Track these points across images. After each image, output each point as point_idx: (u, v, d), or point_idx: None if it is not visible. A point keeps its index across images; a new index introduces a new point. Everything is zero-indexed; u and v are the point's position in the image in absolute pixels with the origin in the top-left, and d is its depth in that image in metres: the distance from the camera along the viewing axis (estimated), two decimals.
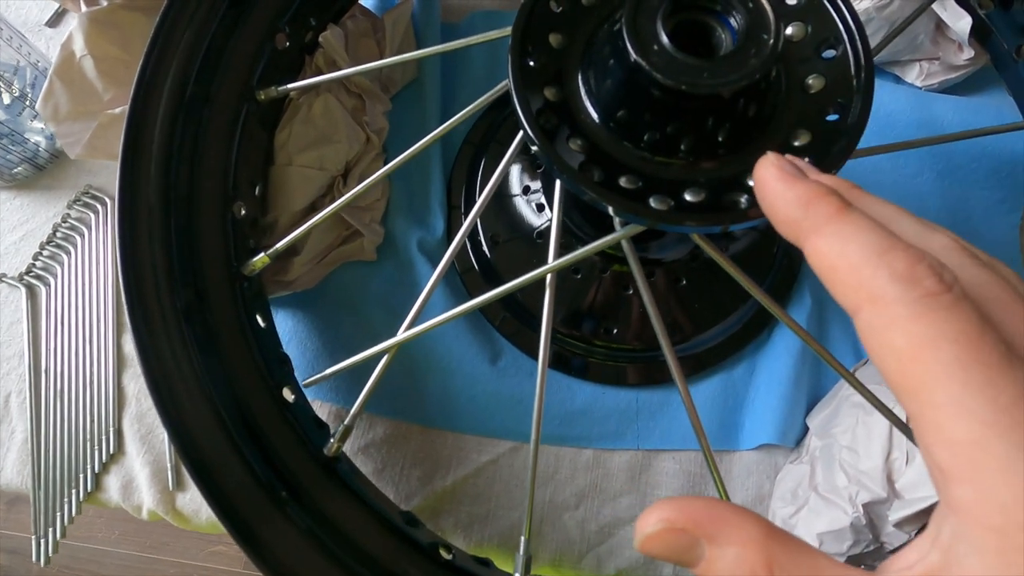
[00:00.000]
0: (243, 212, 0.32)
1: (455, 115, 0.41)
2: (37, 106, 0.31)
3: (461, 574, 0.26)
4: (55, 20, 0.46)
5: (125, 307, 0.37)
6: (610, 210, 0.22)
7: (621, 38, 0.22)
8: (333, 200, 0.37)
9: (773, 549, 0.12)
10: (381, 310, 0.38)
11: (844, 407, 0.32)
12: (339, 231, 0.38)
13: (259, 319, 0.30)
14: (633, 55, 0.22)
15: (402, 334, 0.28)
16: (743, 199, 0.23)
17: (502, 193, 0.39)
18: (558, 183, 0.26)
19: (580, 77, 0.25)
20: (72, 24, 0.31)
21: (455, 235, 0.39)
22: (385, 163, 0.40)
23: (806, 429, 0.35)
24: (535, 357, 0.37)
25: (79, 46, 0.30)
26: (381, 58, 0.39)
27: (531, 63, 0.25)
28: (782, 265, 0.37)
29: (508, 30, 0.32)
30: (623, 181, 0.24)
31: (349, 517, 0.26)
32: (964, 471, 0.11)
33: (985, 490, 0.10)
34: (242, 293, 0.30)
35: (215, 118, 0.31)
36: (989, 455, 0.10)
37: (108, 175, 0.42)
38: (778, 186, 0.14)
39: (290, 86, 0.33)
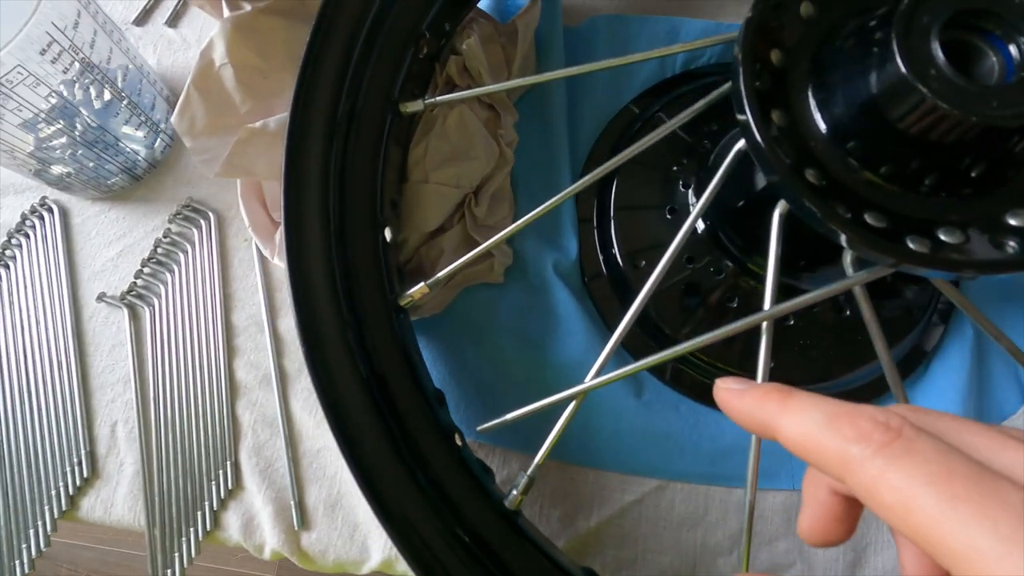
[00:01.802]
0: (390, 236, 0.29)
1: (580, 123, 0.39)
2: (172, 120, 0.29)
3: None
4: (142, 19, 0.43)
5: (251, 327, 0.34)
6: (866, 253, 0.20)
7: (883, 58, 0.20)
8: (463, 218, 0.35)
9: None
10: (511, 337, 0.35)
11: None
12: (464, 252, 0.36)
13: (412, 353, 0.28)
14: (909, 78, 0.19)
15: (591, 381, 0.25)
16: (1011, 242, 0.20)
17: (642, 205, 0.37)
18: (776, 218, 0.24)
19: (811, 99, 0.23)
20: (211, 29, 0.28)
21: (584, 250, 0.37)
22: (512, 177, 0.37)
23: None
24: (676, 387, 0.35)
25: (219, 54, 0.28)
26: (508, 65, 0.37)
27: (756, 84, 0.22)
28: (941, 295, 0.35)
29: (674, 48, 0.30)
30: (869, 218, 0.21)
31: (534, 572, 0.24)
32: None
33: None
34: (399, 325, 0.27)
35: (362, 135, 0.28)
36: None
37: (209, 187, 0.39)
38: (734, 402, 0.17)
39: (439, 99, 0.30)
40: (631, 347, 0.35)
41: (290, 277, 0.25)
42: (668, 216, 0.36)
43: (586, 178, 0.29)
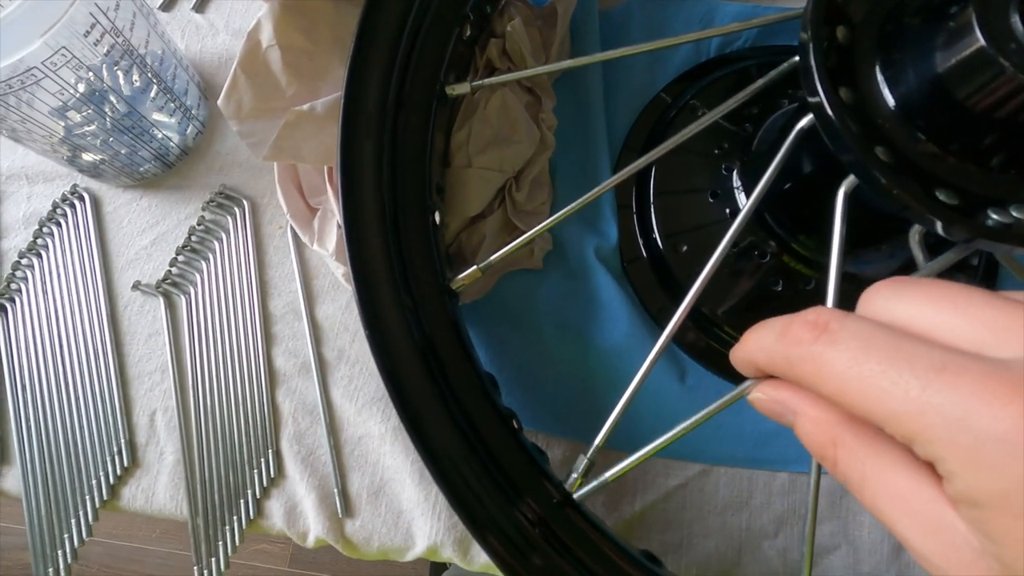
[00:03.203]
0: (438, 219, 0.29)
1: (616, 108, 0.38)
2: (219, 103, 0.28)
3: None
4: (168, 4, 0.43)
5: (288, 315, 0.34)
6: (943, 229, 0.20)
7: (958, 32, 0.20)
8: (503, 203, 0.35)
9: (842, 430, 0.14)
10: (551, 323, 0.35)
11: None
12: (504, 237, 0.35)
13: (464, 336, 0.28)
14: (988, 51, 0.19)
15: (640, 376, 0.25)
16: None
17: (682, 189, 0.36)
18: (840, 197, 0.24)
19: (879, 75, 0.22)
20: (260, 11, 0.28)
21: (624, 235, 0.36)
22: (551, 162, 0.37)
23: None
24: (723, 374, 0.34)
25: (267, 35, 0.27)
26: (545, 48, 0.37)
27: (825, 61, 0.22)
28: (982, 274, 0.35)
29: (709, 32, 0.29)
30: (941, 195, 0.21)
31: (600, 561, 0.24)
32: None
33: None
34: (452, 309, 0.27)
35: (411, 119, 0.28)
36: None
37: (241, 174, 0.39)
38: (734, 362, 0.17)
39: (485, 81, 0.30)
40: (679, 338, 0.35)
41: (351, 263, 0.25)
42: (711, 199, 0.35)
43: (627, 169, 0.28)
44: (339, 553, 0.33)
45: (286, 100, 0.28)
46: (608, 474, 0.24)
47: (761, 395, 0.16)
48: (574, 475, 0.25)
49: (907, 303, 0.13)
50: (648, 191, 0.37)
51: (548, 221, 0.27)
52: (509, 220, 0.35)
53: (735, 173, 0.35)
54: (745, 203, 0.34)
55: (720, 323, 0.35)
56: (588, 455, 0.25)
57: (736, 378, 0.35)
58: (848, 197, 0.24)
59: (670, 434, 0.24)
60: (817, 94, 0.22)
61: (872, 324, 0.13)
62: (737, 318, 0.34)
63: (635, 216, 0.37)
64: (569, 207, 0.27)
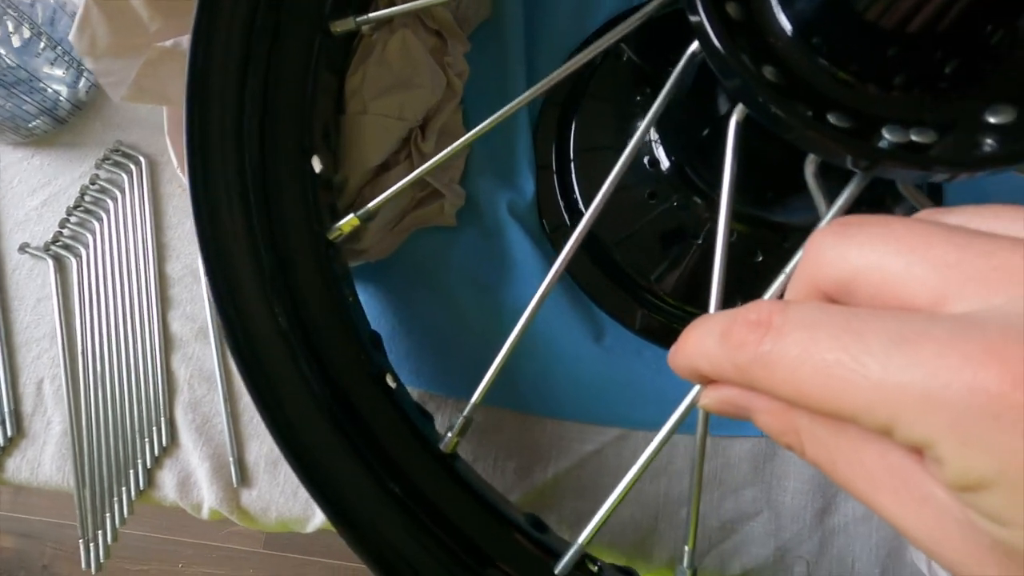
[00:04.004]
0: (320, 167, 0.27)
1: (539, 57, 0.36)
2: (71, 37, 0.26)
3: None
4: None
5: (186, 278, 0.32)
6: (847, 161, 0.18)
7: None
8: (410, 155, 0.33)
9: (798, 415, 0.13)
10: (466, 283, 0.33)
11: None
12: (414, 193, 0.33)
13: (346, 292, 0.26)
14: None
15: (530, 309, 0.23)
16: (989, 140, 0.18)
17: (602, 145, 0.34)
18: (732, 127, 0.21)
19: None
20: None
21: (545, 199, 0.34)
22: (464, 113, 0.35)
23: None
24: (643, 334, 0.33)
25: None
26: None
27: None
28: None
29: None
30: (833, 118, 0.19)
31: (473, 521, 0.22)
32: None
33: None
34: (328, 262, 0.25)
35: (286, 55, 0.26)
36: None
37: (140, 131, 0.36)
38: (674, 367, 0.15)
39: (372, 15, 0.28)
40: (597, 295, 0.33)
41: (193, 207, 0.22)
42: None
43: (540, 84, 0.26)
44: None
45: (149, 36, 0.26)
46: (582, 538, 0.21)
47: (709, 401, 0.14)
48: (449, 434, 0.23)
49: (856, 248, 0.12)
50: (568, 149, 0.35)
51: (435, 159, 0.25)
52: None
53: (654, 126, 0.33)
54: (663, 157, 0.32)
55: (648, 287, 0.33)
56: (465, 412, 0.23)
57: (658, 340, 0.33)
58: (741, 128, 0.21)
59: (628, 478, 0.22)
60: (697, 11, 0.19)
61: (815, 306, 0.11)
62: (664, 279, 0.32)
63: (556, 176, 0.35)
64: (471, 133, 0.25)
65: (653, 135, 0.33)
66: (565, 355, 0.32)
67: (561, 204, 0.34)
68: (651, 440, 0.32)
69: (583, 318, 0.32)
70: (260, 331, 0.23)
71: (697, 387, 0.22)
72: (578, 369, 0.32)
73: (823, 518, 0.31)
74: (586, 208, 0.34)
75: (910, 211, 0.35)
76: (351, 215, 0.25)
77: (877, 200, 0.32)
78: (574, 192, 0.34)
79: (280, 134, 0.25)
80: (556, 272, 0.23)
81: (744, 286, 0.31)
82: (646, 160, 0.33)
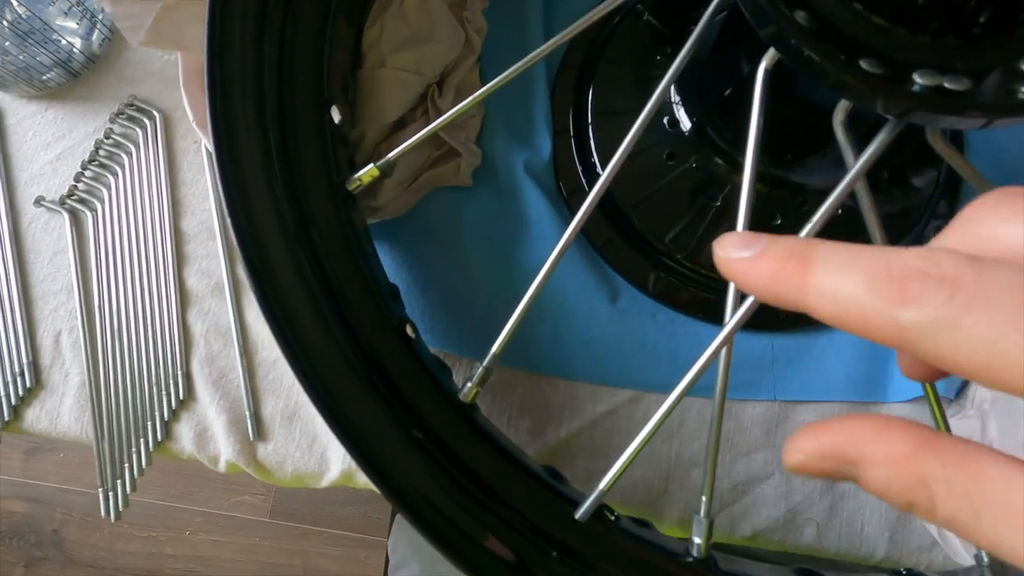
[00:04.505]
0: (339, 118, 0.27)
1: (557, 15, 0.35)
2: None
3: (631, 538, 0.22)
4: None
5: (202, 234, 0.32)
6: (880, 107, 0.17)
7: None
8: (427, 112, 0.32)
9: (926, 463, 0.10)
10: (478, 242, 0.33)
11: None
12: (430, 151, 0.33)
13: (365, 245, 0.26)
14: None
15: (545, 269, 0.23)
16: (1023, 89, 0.18)
17: (621, 109, 0.34)
18: (760, 74, 0.21)
19: None
20: None
21: (563, 162, 0.34)
22: (481, 72, 0.34)
23: (967, 380, 0.31)
24: (657, 296, 0.33)
25: None
26: None
27: None
28: (945, 184, 0.33)
29: None
30: (865, 64, 0.19)
31: (491, 468, 0.22)
32: None
33: None
34: (348, 213, 0.25)
35: (305, 4, 0.25)
36: None
37: (154, 85, 0.36)
38: (748, 276, 0.13)
39: None
40: (611, 257, 0.33)
41: (216, 155, 0.22)
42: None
43: (560, 35, 0.25)
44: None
45: None
46: (603, 484, 0.21)
47: (803, 456, 0.11)
48: (468, 384, 0.23)
49: None
50: (586, 112, 0.34)
51: (471, 99, 0.25)
52: (434, 133, 0.32)
53: (673, 87, 0.33)
54: (684, 118, 0.32)
55: (664, 249, 0.32)
56: (484, 363, 0.23)
57: (672, 302, 0.33)
58: (769, 77, 0.21)
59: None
60: None
61: (1014, 270, 0.10)
62: (680, 241, 0.32)
63: (573, 141, 0.34)
64: (468, 101, 0.24)
65: (674, 96, 0.33)
66: (579, 316, 0.32)
67: (579, 167, 0.34)
68: (663, 403, 0.33)
69: (598, 280, 0.32)
70: (285, 282, 0.23)
71: (711, 348, 0.22)
72: (592, 330, 0.32)
73: (833, 482, 0.31)
74: (604, 171, 0.33)
75: (930, 181, 0.34)
76: (371, 165, 0.25)
77: (898, 166, 0.32)
78: (592, 156, 0.34)
79: (299, 85, 0.25)
80: (572, 231, 0.23)
81: None
82: (665, 121, 0.32)
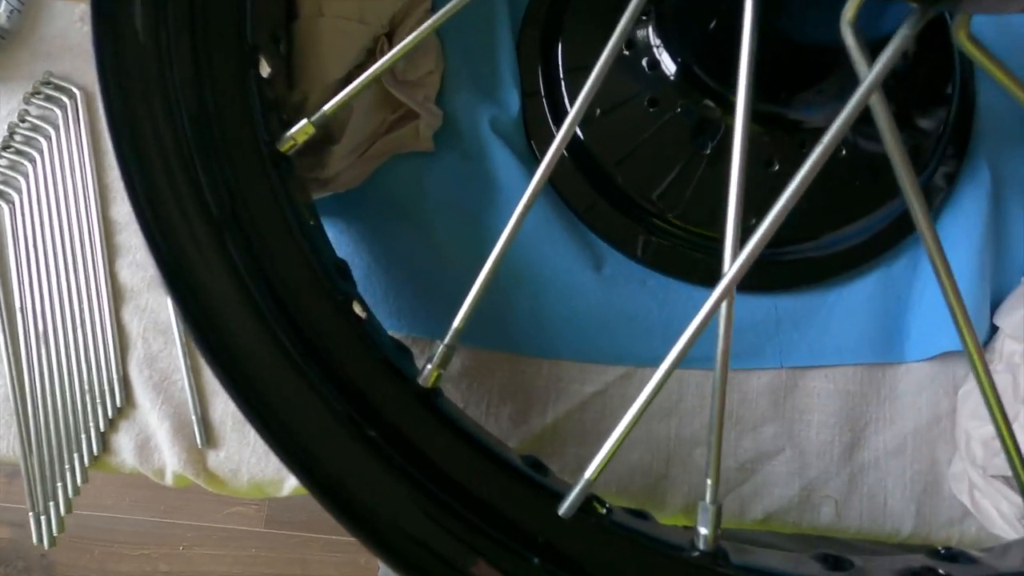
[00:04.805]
0: (269, 71, 0.23)
1: None
2: None
3: (626, 533, 0.19)
4: None
5: (134, 222, 0.29)
6: None
7: None
8: None
9: None
10: (446, 213, 0.30)
11: None
12: (384, 114, 0.30)
13: (305, 215, 0.22)
14: None
15: (515, 219, 0.20)
16: None
17: (592, 64, 0.30)
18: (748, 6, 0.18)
19: None
20: None
21: (534, 123, 0.31)
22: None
23: (992, 331, 0.28)
24: (647, 262, 0.29)
25: None
26: None
27: None
28: (954, 127, 0.30)
29: None
30: None
31: (461, 464, 0.19)
32: None
33: None
34: (282, 179, 0.22)
35: None
36: None
37: (73, 59, 0.32)
38: None
39: None
40: (597, 224, 0.30)
41: (108, 120, 0.19)
42: (626, 52, 0.29)
43: None
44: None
45: None
46: (588, 473, 0.18)
47: None
48: (428, 367, 0.20)
49: None
50: (557, 69, 0.31)
51: (419, 31, 0.21)
52: (387, 93, 0.29)
53: (651, 29, 0.29)
54: (667, 60, 0.29)
55: (653, 209, 0.29)
56: (446, 341, 0.20)
57: (663, 267, 0.30)
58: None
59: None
60: None
61: None
62: (669, 197, 0.29)
63: (545, 101, 0.31)
64: (411, 36, 0.21)
65: (653, 39, 0.29)
66: (560, 287, 0.29)
67: (553, 128, 0.31)
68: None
69: (579, 246, 0.29)
70: (199, 261, 0.19)
71: (707, 306, 0.19)
72: (575, 303, 0.29)
73: (852, 453, 0.28)
74: (583, 131, 0.30)
75: (938, 123, 0.31)
76: (304, 121, 0.22)
77: (904, 106, 0.29)
78: (567, 113, 0.31)
79: (214, 38, 0.21)
80: (539, 181, 0.20)
81: (757, 201, 0.28)
82: (645, 63, 0.29)
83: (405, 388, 0.20)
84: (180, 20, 0.21)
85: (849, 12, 0.17)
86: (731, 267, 0.18)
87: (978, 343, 0.18)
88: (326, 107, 0.22)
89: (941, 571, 0.18)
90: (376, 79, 0.28)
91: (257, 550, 1.12)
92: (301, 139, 0.22)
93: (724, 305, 0.19)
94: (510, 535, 0.18)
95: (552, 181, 0.30)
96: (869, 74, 0.16)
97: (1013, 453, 0.17)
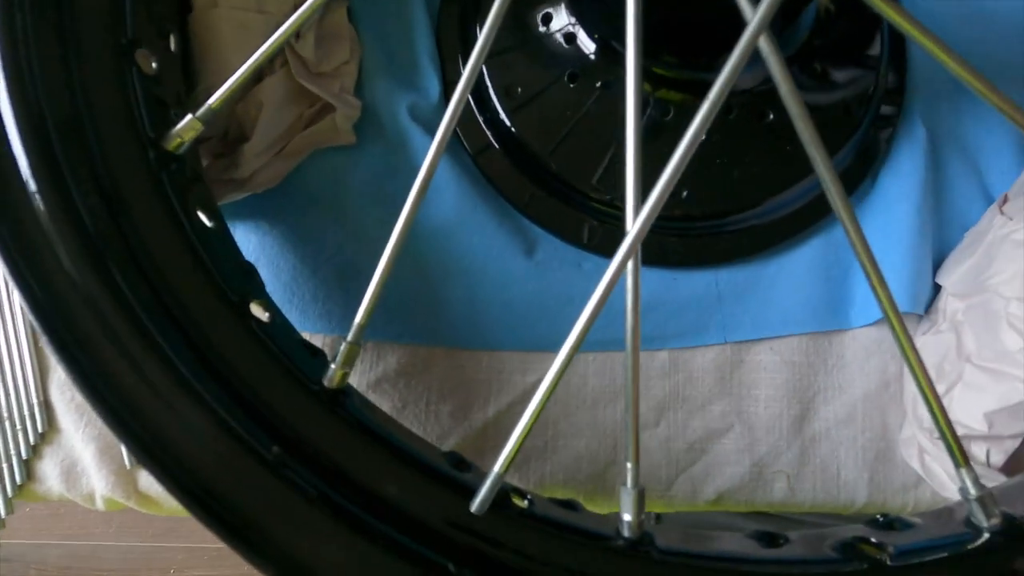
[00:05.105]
0: (154, 66, 0.22)
1: None
2: None
3: (547, 526, 0.18)
4: None
5: None
6: None
7: None
8: (286, 63, 0.27)
9: None
10: (373, 206, 0.28)
11: (1003, 250, 0.24)
12: (300, 109, 0.28)
13: (203, 216, 0.21)
14: None
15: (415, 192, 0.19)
16: None
17: (509, 47, 0.29)
18: None
19: None
20: None
21: (466, 122, 0.29)
22: (350, 11, 0.30)
23: (935, 291, 0.28)
24: (581, 244, 0.28)
25: None
26: None
27: None
28: (888, 87, 0.29)
29: None
30: None
31: (374, 469, 0.18)
32: None
33: None
34: (170, 179, 0.20)
35: None
36: None
37: None
38: None
39: None
40: (539, 217, 0.29)
41: None
42: (542, 29, 0.28)
43: None
44: None
45: None
46: (497, 467, 0.17)
47: None
48: (332, 367, 0.19)
49: None
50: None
51: (280, 31, 0.20)
52: (300, 87, 0.28)
53: (563, 3, 0.28)
54: (582, 37, 0.28)
55: (594, 193, 0.28)
56: (349, 337, 0.19)
57: (598, 247, 0.29)
58: None
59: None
60: None
61: None
62: (607, 179, 0.28)
63: (470, 94, 0.30)
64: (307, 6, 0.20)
65: (569, 16, 0.28)
66: (492, 276, 0.28)
67: (480, 119, 0.30)
68: (604, 361, 0.29)
69: (509, 232, 0.28)
70: (75, 295, 0.18)
71: (599, 292, 0.18)
72: (509, 290, 0.28)
73: (801, 426, 0.27)
74: (510, 120, 0.29)
75: (870, 81, 0.30)
76: (188, 116, 0.20)
77: (832, 58, 0.28)
78: (492, 101, 0.29)
79: (81, 29, 0.20)
80: (442, 137, 0.19)
81: (689, 171, 0.27)
82: (561, 37, 0.28)
83: (307, 392, 0.18)
84: (36, 23, 0.19)
85: None
86: (632, 228, 0.17)
87: (898, 311, 0.17)
88: (211, 100, 0.20)
89: (873, 539, 0.17)
90: (283, 71, 0.27)
91: (251, 568, 1.11)
92: (188, 136, 0.21)
93: (630, 275, 0.18)
94: (422, 539, 0.17)
95: (489, 177, 0.29)
96: (754, 17, 0.16)
97: (939, 417, 0.17)
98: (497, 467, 0.17)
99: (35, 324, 0.17)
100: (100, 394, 0.16)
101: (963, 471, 0.17)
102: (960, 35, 0.30)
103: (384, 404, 0.27)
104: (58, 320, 0.17)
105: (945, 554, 0.17)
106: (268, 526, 0.16)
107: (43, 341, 0.17)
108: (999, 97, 0.16)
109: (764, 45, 0.16)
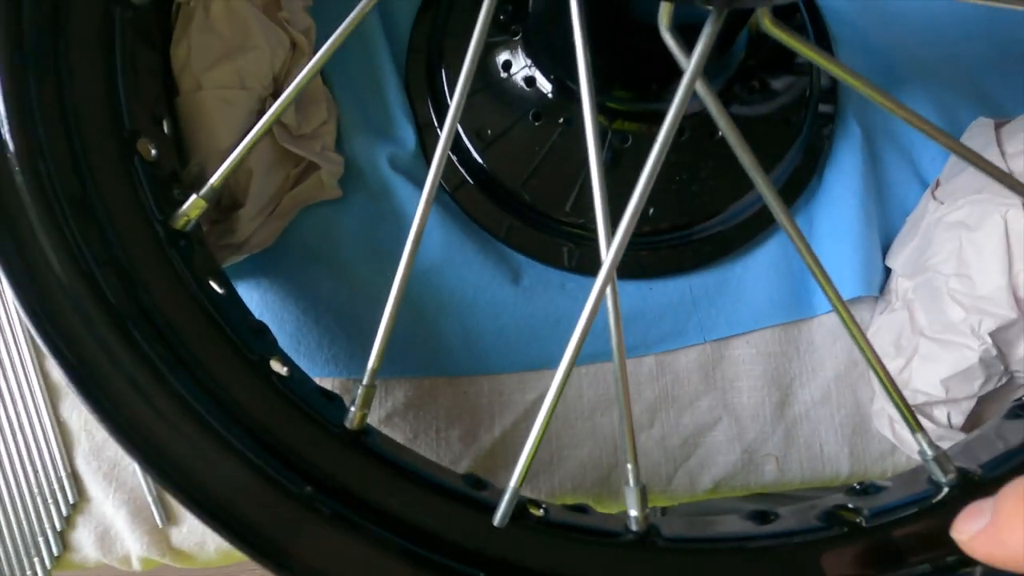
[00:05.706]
0: (153, 152, 0.24)
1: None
2: None
3: (563, 531, 0.20)
4: None
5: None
6: None
7: None
8: (270, 130, 0.29)
9: None
10: (364, 253, 0.30)
11: (938, 232, 0.27)
12: (287, 171, 0.30)
13: (214, 285, 0.23)
14: None
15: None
16: None
17: (476, 89, 0.32)
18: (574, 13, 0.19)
19: None
20: None
21: (432, 149, 0.32)
22: (324, 75, 0.32)
23: (886, 274, 0.30)
24: (562, 266, 0.31)
25: None
26: None
27: None
28: (823, 87, 0.32)
29: None
30: None
31: (401, 498, 0.20)
32: None
33: None
34: (181, 255, 0.22)
35: (78, 28, 0.22)
36: None
37: None
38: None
39: None
40: (519, 245, 0.31)
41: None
42: (503, 74, 0.31)
43: None
44: None
45: None
46: (512, 482, 0.19)
47: None
48: (352, 409, 0.21)
49: None
50: (443, 98, 0.32)
51: (273, 108, 0.22)
52: (285, 150, 0.30)
53: (519, 49, 0.31)
54: (540, 79, 0.30)
55: (568, 220, 0.30)
56: (365, 381, 0.21)
57: (578, 268, 0.31)
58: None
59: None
60: None
61: None
62: (579, 205, 0.30)
63: (439, 131, 0.32)
64: (301, 78, 0.22)
65: (526, 60, 0.31)
66: (483, 306, 0.30)
67: (455, 159, 0.32)
68: (595, 373, 0.31)
69: (495, 262, 0.30)
70: (111, 368, 0.20)
71: (585, 314, 0.20)
72: (501, 317, 0.30)
73: (783, 410, 0.30)
74: (482, 157, 0.31)
75: (805, 86, 0.33)
76: (193, 196, 0.22)
77: (768, 71, 0.31)
78: (463, 141, 0.32)
79: (86, 124, 0.22)
80: (430, 188, 0.21)
81: (655, 193, 0.30)
82: (521, 80, 0.30)
83: (331, 435, 0.20)
84: (52, 114, 0.21)
85: (664, 19, 0.18)
86: (608, 253, 0.19)
87: (842, 299, 0.19)
88: (212, 179, 0.22)
89: (850, 505, 0.20)
90: (268, 137, 0.29)
91: None
92: (194, 214, 0.23)
93: (609, 292, 0.20)
94: (453, 556, 0.19)
95: (467, 212, 0.31)
96: (689, 66, 0.18)
97: (890, 389, 0.19)
98: (513, 482, 0.19)
99: (82, 403, 0.19)
100: (147, 455, 0.18)
101: (919, 435, 0.19)
102: (882, 39, 0.33)
103: (397, 436, 0.29)
104: (104, 399, 0.18)
105: (913, 511, 0.19)
106: (311, 557, 0.18)
107: (88, 411, 0.18)
108: (920, 120, 0.18)
109: (700, 88, 0.18)
